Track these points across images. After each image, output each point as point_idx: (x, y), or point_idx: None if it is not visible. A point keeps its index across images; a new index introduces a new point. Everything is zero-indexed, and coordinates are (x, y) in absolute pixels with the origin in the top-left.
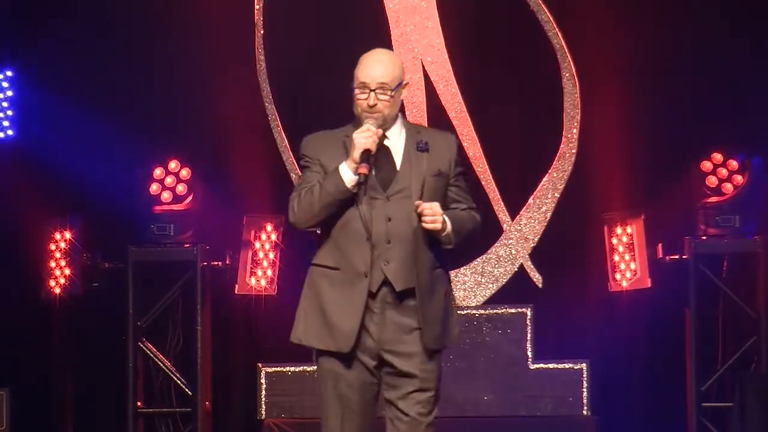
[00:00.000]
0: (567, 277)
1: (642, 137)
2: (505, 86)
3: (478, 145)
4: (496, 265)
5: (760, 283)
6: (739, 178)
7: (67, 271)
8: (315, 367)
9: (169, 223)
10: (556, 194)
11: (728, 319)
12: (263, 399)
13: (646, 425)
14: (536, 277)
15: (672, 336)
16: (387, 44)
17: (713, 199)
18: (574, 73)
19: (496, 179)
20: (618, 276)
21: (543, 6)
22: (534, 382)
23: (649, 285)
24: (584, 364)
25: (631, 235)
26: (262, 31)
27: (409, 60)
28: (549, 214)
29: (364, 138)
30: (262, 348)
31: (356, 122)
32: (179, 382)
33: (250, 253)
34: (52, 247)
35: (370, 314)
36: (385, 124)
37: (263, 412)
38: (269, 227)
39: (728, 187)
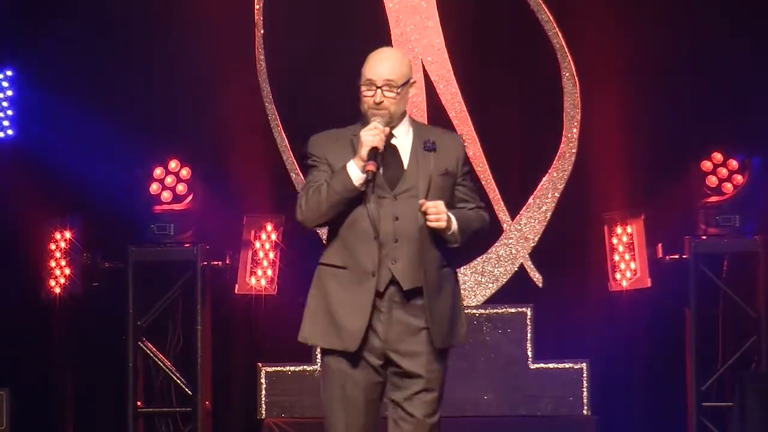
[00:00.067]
0: (567, 277)
1: (642, 137)
2: (505, 86)
3: (478, 144)
4: (496, 265)
5: (760, 283)
6: (739, 178)
7: (67, 271)
8: (315, 367)
9: (169, 222)
10: (556, 194)
11: (728, 319)
12: (263, 399)
13: (646, 425)
14: (536, 277)
15: (672, 336)
16: (387, 44)
17: (713, 198)
18: (574, 73)
19: (496, 179)
20: (618, 276)
21: (543, 6)
22: (534, 382)
23: (649, 285)
24: (584, 364)
25: (631, 234)
26: (262, 31)
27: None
28: (549, 214)
29: (371, 136)
30: (262, 348)
31: (363, 121)
32: (179, 381)
33: (250, 253)
34: (52, 247)
35: (377, 313)
36: (392, 122)
37: (263, 412)
38: (269, 227)
39: (728, 187)
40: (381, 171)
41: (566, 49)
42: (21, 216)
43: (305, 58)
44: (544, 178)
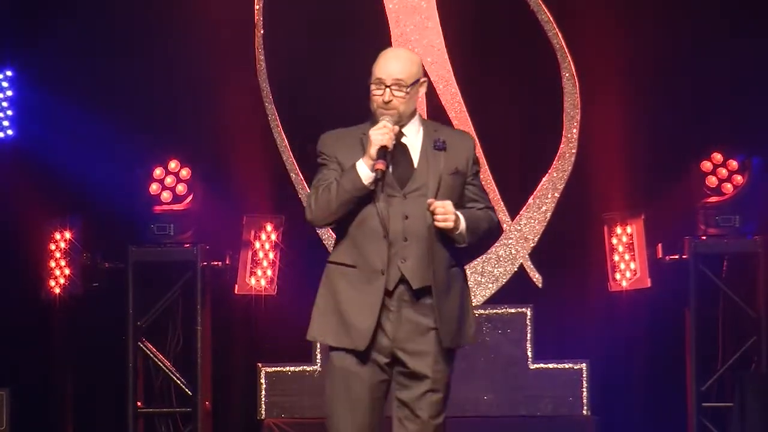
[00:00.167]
0: (567, 277)
1: (642, 137)
2: (505, 86)
3: (478, 145)
4: (496, 265)
5: (760, 283)
6: (739, 178)
7: (67, 271)
8: (315, 367)
9: (169, 223)
10: (556, 194)
11: (728, 319)
12: (263, 399)
13: (646, 425)
14: (536, 277)
15: (672, 336)
16: (387, 44)
17: (713, 199)
18: (574, 73)
19: (496, 179)
20: (618, 276)
21: (543, 6)
22: (534, 382)
23: (649, 285)
24: (584, 364)
25: (631, 235)
26: (262, 31)
27: None
28: (549, 214)
29: (380, 135)
30: (262, 348)
31: (373, 119)
32: (179, 382)
33: (250, 253)
34: (52, 247)
35: (386, 312)
36: (402, 121)
37: (263, 412)
38: (269, 227)
39: (728, 187)
40: (390, 170)
41: (566, 50)
42: (21, 216)
43: (305, 58)
44: (544, 179)
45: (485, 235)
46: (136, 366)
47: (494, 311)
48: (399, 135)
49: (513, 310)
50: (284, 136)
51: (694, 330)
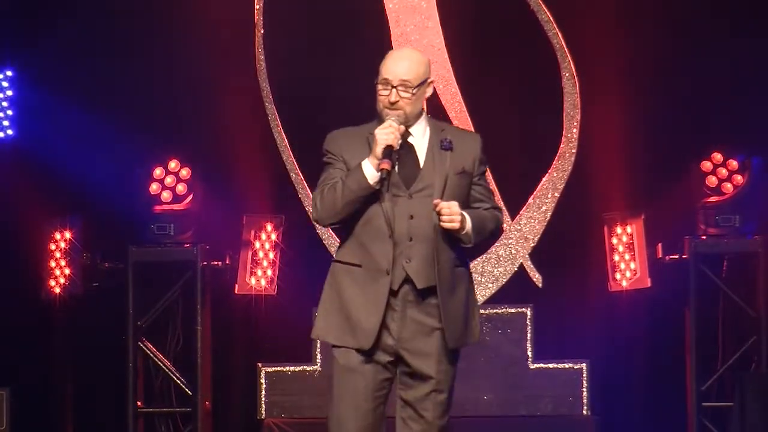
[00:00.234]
0: (567, 277)
1: (642, 137)
2: (505, 86)
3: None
4: (496, 265)
5: (760, 283)
6: (739, 178)
7: (67, 271)
8: (315, 367)
9: (169, 223)
10: (556, 194)
11: (728, 319)
12: (263, 399)
13: (646, 425)
14: (536, 277)
15: (672, 336)
16: (387, 44)
17: (713, 199)
18: (574, 73)
19: (496, 179)
20: (618, 276)
21: (543, 6)
22: (534, 382)
23: (649, 285)
24: (584, 364)
25: (631, 235)
26: (262, 31)
27: None
28: (549, 214)
29: (386, 134)
30: (262, 348)
31: (379, 119)
32: (179, 382)
33: (250, 253)
34: (52, 247)
35: (391, 312)
36: (408, 121)
37: (263, 412)
38: (269, 227)
39: (728, 187)
40: (396, 169)
41: (566, 50)
42: (21, 216)
43: (305, 58)
44: (544, 178)
45: (491, 236)
46: (136, 366)
47: (494, 311)
48: (405, 134)
49: (513, 310)
50: (284, 136)
51: (694, 330)
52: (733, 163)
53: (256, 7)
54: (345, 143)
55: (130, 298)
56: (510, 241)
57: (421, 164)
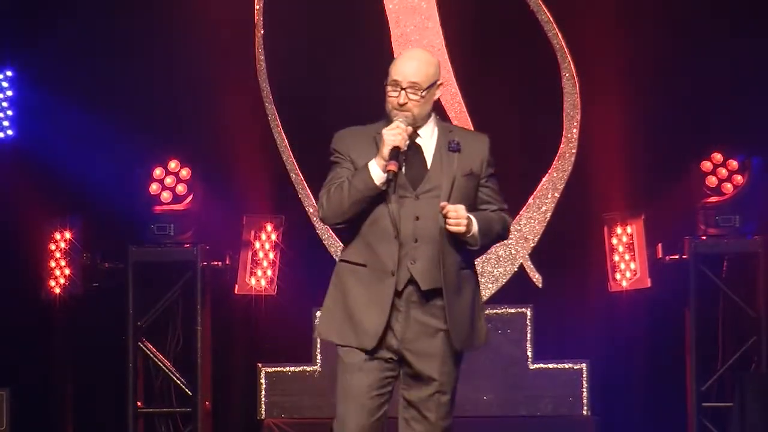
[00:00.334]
0: (567, 277)
1: (642, 137)
2: (505, 86)
3: None
4: (496, 265)
5: (760, 283)
6: (739, 178)
7: (67, 271)
8: (315, 367)
9: (169, 223)
10: (556, 194)
11: (728, 319)
12: (263, 399)
13: (646, 425)
14: (536, 277)
15: (672, 336)
16: (387, 44)
17: (713, 199)
18: (574, 73)
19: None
20: (618, 276)
21: (543, 6)
22: (534, 382)
23: (649, 285)
24: (584, 364)
25: (631, 235)
26: (262, 31)
27: None
28: (549, 214)
29: (393, 135)
30: (262, 348)
31: (387, 119)
32: (179, 382)
33: (250, 253)
34: (52, 247)
35: (395, 313)
36: (416, 123)
37: (263, 412)
38: (269, 227)
39: (728, 187)
40: (404, 170)
41: (566, 50)
42: (21, 216)
43: (305, 58)
44: (544, 179)
45: (498, 238)
46: (136, 366)
47: (494, 311)
48: (413, 135)
49: (513, 310)
50: (284, 136)
51: (694, 330)
52: (733, 163)
53: (256, 7)
54: (352, 143)
55: (130, 298)
56: (510, 242)
57: (429, 165)
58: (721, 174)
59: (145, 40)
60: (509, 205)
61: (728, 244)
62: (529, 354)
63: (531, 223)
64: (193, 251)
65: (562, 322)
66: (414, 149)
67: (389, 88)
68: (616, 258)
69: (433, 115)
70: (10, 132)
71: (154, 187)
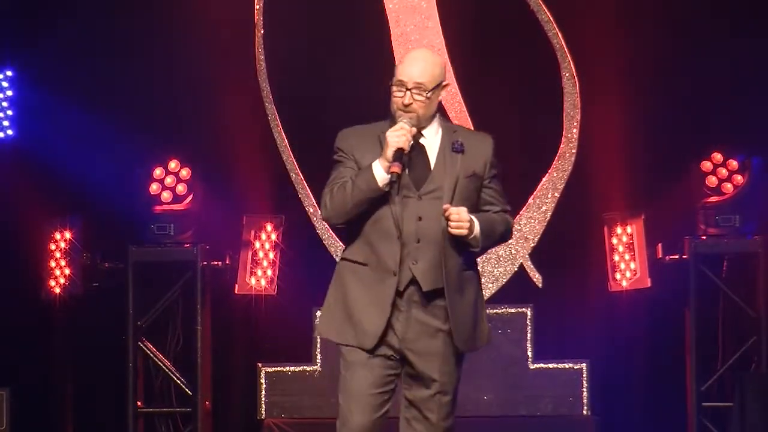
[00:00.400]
0: (567, 277)
1: (642, 137)
2: (505, 86)
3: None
4: (496, 265)
5: (760, 283)
6: (739, 178)
7: (67, 271)
8: (315, 367)
9: (169, 223)
10: (556, 194)
11: (728, 319)
12: (263, 399)
13: (646, 425)
14: (536, 277)
15: (672, 336)
16: (387, 44)
17: (713, 199)
18: (574, 73)
19: None
20: (618, 276)
21: (543, 6)
22: (534, 382)
23: (649, 285)
24: (584, 364)
25: (631, 235)
26: (262, 31)
27: None
28: (549, 214)
29: (397, 137)
30: (262, 348)
31: (392, 118)
32: (179, 382)
33: (250, 253)
34: (52, 247)
35: (396, 312)
36: (421, 124)
37: (263, 412)
38: (269, 227)
39: (728, 187)
40: (407, 171)
41: (566, 50)
42: (21, 216)
43: (305, 58)
44: (544, 178)
45: (501, 239)
46: (136, 366)
47: (494, 311)
48: (417, 135)
49: (513, 310)
50: (284, 136)
51: (694, 330)
52: (733, 163)
53: (256, 7)
54: (356, 142)
55: (130, 298)
56: (510, 241)
57: (432, 166)
58: (721, 174)
59: (145, 40)
60: (509, 205)
61: (728, 244)
62: (529, 354)
63: (531, 223)
64: (193, 251)
65: (562, 322)
66: (417, 149)
67: (394, 88)
68: (616, 258)
69: (437, 115)
70: (10, 132)
71: (154, 187)
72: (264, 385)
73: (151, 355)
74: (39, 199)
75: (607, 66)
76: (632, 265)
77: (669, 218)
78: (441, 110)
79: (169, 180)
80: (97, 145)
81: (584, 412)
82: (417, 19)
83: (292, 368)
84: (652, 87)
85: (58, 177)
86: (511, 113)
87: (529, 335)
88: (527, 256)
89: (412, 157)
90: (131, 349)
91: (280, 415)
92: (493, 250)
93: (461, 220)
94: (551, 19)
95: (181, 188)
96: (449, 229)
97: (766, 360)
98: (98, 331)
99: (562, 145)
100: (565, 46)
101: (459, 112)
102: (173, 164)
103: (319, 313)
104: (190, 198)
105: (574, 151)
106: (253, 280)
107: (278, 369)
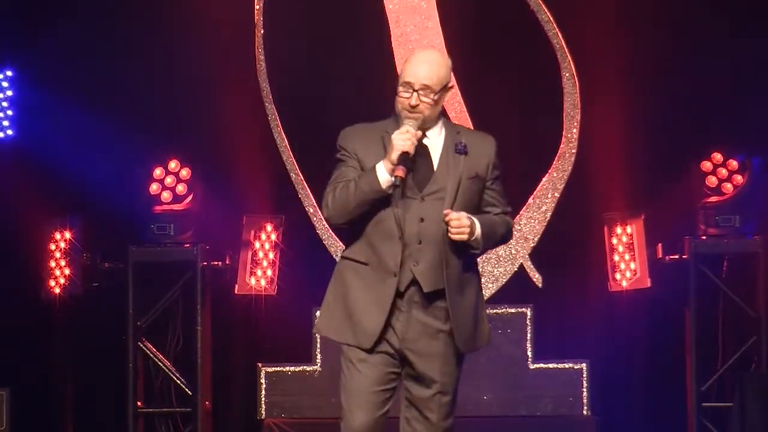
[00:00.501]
0: (567, 277)
1: (642, 137)
2: (505, 86)
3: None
4: (496, 265)
5: (760, 283)
6: (739, 178)
7: (67, 271)
8: (315, 367)
9: (169, 223)
10: (556, 194)
11: (728, 319)
12: (263, 399)
13: (646, 425)
14: (536, 277)
15: (672, 336)
16: (387, 44)
17: (713, 199)
18: (574, 73)
19: None
20: (618, 276)
21: (543, 6)
22: (534, 382)
23: (649, 285)
24: (584, 364)
25: (631, 235)
26: (262, 31)
27: None
28: (549, 214)
29: (402, 140)
30: (262, 348)
31: (395, 118)
32: (179, 382)
33: (250, 253)
34: (52, 247)
35: (396, 313)
36: (425, 125)
37: (263, 412)
38: (269, 227)
39: (728, 187)
40: (410, 173)
41: (566, 50)
42: (21, 216)
43: (305, 58)
44: (544, 178)
45: (502, 240)
46: (136, 366)
47: (494, 311)
48: (421, 137)
49: (513, 310)
50: (284, 136)
51: (694, 330)
52: (733, 163)
53: (256, 7)
54: (359, 141)
55: (130, 298)
56: (510, 241)
57: (435, 167)
58: (721, 174)
59: (145, 40)
60: (509, 205)
61: (728, 244)
62: (529, 354)
63: (531, 222)
64: (193, 251)
65: (562, 322)
66: (421, 150)
67: (401, 89)
68: (616, 258)
69: (441, 116)
70: (10, 132)
71: (154, 187)
72: (264, 385)
73: (151, 355)
74: (39, 199)
75: (607, 66)
76: (632, 265)
77: (669, 218)
78: (441, 110)
79: (169, 180)
80: (97, 145)
81: (584, 412)
82: (417, 19)
83: (292, 368)
84: (652, 87)
85: (58, 177)
86: (511, 113)
87: (529, 335)
88: (527, 256)
89: (415, 157)
90: (131, 349)
91: (280, 415)
92: (493, 250)
93: (461, 225)
94: (551, 19)
95: (181, 188)
96: (449, 234)
97: (766, 360)
98: (98, 331)
99: (562, 145)
100: (565, 46)
101: (459, 112)
102: (173, 164)
103: (318, 312)
104: (190, 198)
105: (574, 151)
106: (253, 280)
107: (278, 369)
